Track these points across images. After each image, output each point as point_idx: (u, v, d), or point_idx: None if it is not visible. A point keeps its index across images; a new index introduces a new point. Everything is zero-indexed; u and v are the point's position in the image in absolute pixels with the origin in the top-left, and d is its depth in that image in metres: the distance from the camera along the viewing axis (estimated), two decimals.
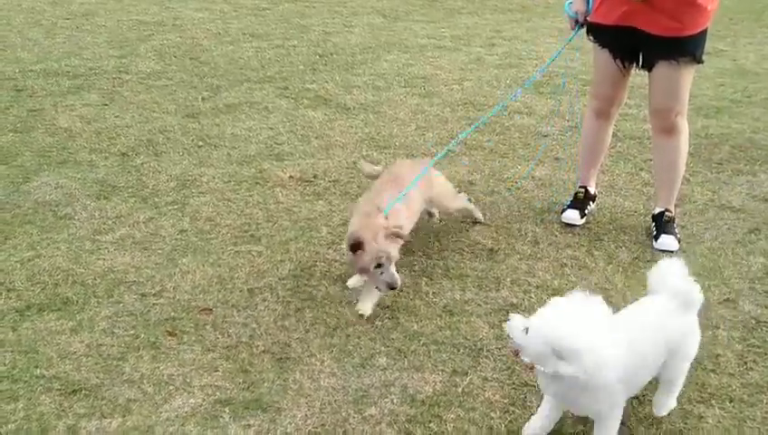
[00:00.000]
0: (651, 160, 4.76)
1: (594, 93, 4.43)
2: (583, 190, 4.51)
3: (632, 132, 5.81)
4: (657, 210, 4.28)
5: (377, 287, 3.55)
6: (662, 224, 4.20)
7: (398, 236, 3.56)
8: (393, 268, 3.52)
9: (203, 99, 6.63)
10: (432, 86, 7.01)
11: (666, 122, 4.11)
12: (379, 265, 3.47)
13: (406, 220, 3.77)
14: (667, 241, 4.13)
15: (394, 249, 3.54)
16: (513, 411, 3.00)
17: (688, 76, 3.99)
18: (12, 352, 3.38)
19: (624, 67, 4.18)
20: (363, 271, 3.55)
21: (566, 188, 4.84)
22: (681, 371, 2.87)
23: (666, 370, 2.82)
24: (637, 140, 5.66)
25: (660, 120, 4.15)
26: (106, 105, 6.46)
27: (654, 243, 4.16)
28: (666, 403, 2.92)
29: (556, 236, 4.32)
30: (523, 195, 4.81)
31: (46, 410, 3.04)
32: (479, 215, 4.42)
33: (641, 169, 5.17)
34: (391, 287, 3.49)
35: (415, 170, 3.94)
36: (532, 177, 5.04)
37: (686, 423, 2.91)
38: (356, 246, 3.48)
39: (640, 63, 4.10)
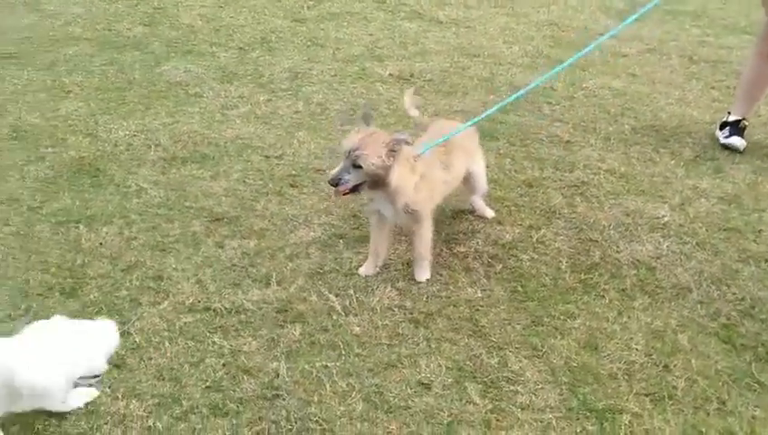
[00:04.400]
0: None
1: None
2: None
3: (707, 57, 6.20)
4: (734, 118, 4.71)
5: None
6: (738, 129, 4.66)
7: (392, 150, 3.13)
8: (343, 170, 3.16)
9: (308, 7, 7.24)
10: (520, 7, 7.46)
11: None
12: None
13: (439, 173, 3.46)
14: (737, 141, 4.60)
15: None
16: (578, 258, 3.61)
17: None
18: (164, 189, 4.13)
19: None
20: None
21: (640, 98, 5.33)
22: None
23: None
24: (711, 63, 6.05)
25: None
26: (221, 7, 7.14)
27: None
28: None
29: (626, 135, 4.84)
30: (599, 101, 5.32)
31: (197, 230, 3.78)
32: (489, 213, 3.95)
33: (712, 88, 5.60)
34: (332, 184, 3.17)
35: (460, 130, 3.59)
36: (609, 87, 5.53)
37: (723, 273, 3.48)
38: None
39: None
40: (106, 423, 2.65)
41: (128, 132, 4.72)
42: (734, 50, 6.40)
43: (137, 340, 3.04)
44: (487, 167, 4.34)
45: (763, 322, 3.18)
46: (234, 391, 2.81)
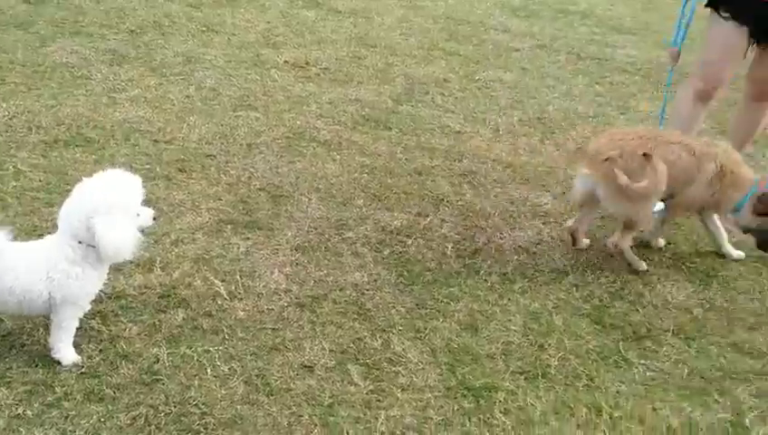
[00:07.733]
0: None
1: (704, 76, 3.96)
2: None
3: (594, 54, 6.49)
4: None
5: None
6: None
7: None
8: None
9: None
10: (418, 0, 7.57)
11: (764, 89, 4.08)
12: None
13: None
14: None
15: None
16: (463, 244, 3.71)
17: None
18: (44, 173, 3.98)
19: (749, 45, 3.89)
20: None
21: (528, 92, 5.51)
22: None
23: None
24: (597, 60, 6.32)
25: (760, 86, 4.08)
26: None
27: None
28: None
29: (514, 126, 5.00)
30: (490, 93, 5.46)
31: None
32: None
33: (596, 84, 5.85)
34: None
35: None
36: (501, 80, 5.69)
37: (598, 258, 3.65)
38: None
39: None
40: None
41: (7, 114, 4.51)
42: (619, 48, 6.70)
43: (8, 326, 2.92)
44: (379, 156, 4.44)
45: (631, 303, 3.36)
46: (111, 376, 2.74)
